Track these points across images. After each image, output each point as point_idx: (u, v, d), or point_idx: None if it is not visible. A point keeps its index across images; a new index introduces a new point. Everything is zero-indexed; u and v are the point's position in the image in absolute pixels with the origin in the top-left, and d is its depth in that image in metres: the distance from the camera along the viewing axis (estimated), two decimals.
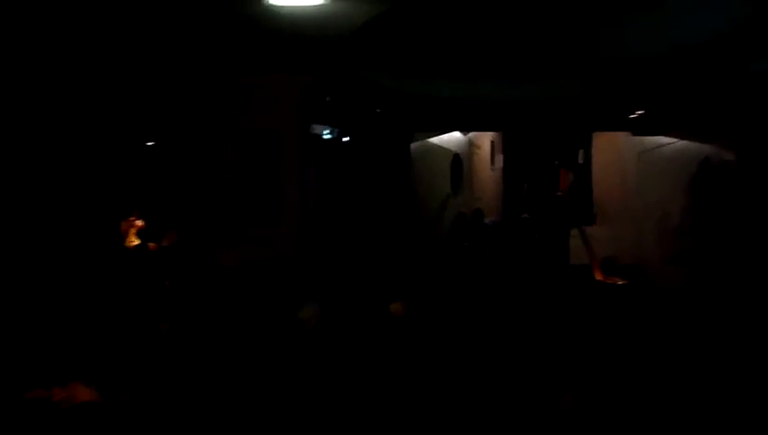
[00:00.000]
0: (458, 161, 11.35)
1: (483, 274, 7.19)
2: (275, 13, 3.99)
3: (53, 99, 6.78)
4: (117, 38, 4.70)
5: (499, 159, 14.70)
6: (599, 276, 8.27)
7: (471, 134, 11.95)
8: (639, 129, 9.14)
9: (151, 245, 8.31)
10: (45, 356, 3.67)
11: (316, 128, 6.10)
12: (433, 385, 3.58)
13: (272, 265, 4.91)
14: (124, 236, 8.84)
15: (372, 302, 4.30)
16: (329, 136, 6.29)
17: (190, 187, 7.04)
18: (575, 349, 4.75)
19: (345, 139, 6.80)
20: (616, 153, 11.54)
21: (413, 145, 9.12)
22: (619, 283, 7.97)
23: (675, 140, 8.81)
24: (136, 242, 8.53)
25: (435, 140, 10.13)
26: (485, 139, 13.50)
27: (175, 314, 4.16)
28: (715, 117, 7.23)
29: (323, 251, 6.18)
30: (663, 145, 9.24)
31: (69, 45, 4.88)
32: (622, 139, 10.70)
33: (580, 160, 13.62)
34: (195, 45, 4.90)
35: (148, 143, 9.36)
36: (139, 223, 8.76)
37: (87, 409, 2.66)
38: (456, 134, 11.04)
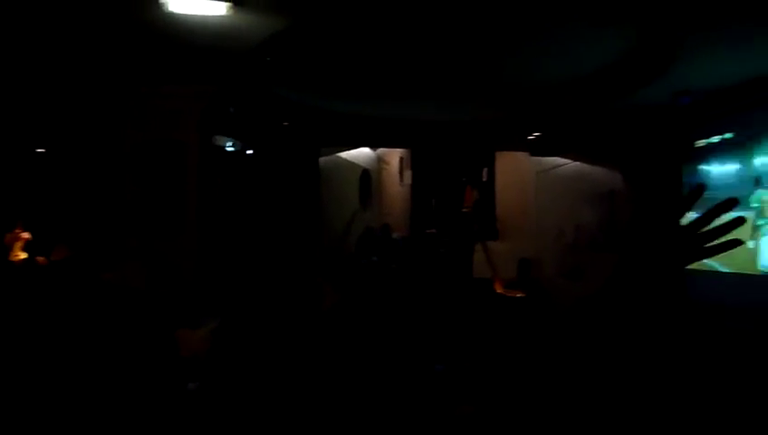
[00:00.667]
0: (367, 177, 11.46)
1: (390, 288, 7.28)
2: (178, 22, 3.90)
3: None
4: (11, 41, 4.41)
5: (408, 175, 14.98)
6: (499, 290, 8.63)
7: (380, 150, 12.12)
8: (537, 150, 9.66)
9: (40, 259, 7.77)
10: None
11: (219, 140, 5.96)
12: (327, 399, 3.58)
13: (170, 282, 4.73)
14: (8, 249, 8.21)
15: (274, 319, 4.24)
16: (232, 149, 6.16)
17: (85, 198, 6.65)
18: (475, 358, 4.91)
19: (249, 151, 6.69)
20: (516, 172, 12.10)
21: (322, 159, 9.13)
22: (518, 295, 8.36)
23: (569, 161, 9.39)
24: (22, 256, 7.94)
25: (344, 154, 10.19)
26: (395, 155, 13.72)
27: (55, 335, 3.91)
28: (604, 141, 7.78)
29: (227, 267, 6.03)
30: (559, 166, 9.81)
31: None
32: (522, 159, 11.25)
33: (485, 178, 14.15)
34: (94, 51, 4.68)
35: (38, 150, 8.78)
36: (25, 235, 8.17)
37: None
38: (366, 150, 11.16)
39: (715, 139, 6.04)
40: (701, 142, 6.25)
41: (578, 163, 9.12)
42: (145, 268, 4.89)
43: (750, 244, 5.44)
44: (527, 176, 11.35)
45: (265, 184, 7.44)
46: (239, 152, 6.38)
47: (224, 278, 5.72)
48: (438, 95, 6.01)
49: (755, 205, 5.48)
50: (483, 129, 7.89)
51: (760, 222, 5.42)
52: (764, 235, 5.41)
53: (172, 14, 3.75)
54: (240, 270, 6.17)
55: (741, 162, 5.68)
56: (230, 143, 6.07)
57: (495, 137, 8.87)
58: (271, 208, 7.70)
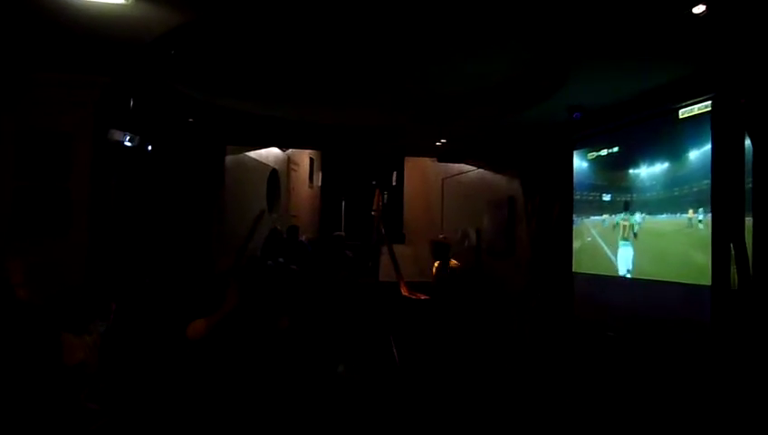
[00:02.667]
0: (275, 177, 11.32)
1: (293, 289, 7.22)
2: (75, 7, 3.69)
3: None
4: None
5: (318, 176, 14.94)
6: (405, 292, 8.78)
7: (290, 151, 12.01)
8: (444, 156, 9.94)
9: None
10: None
11: (116, 134, 5.67)
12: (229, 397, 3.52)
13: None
14: None
15: (169, 322, 4.10)
16: (130, 144, 5.88)
17: None
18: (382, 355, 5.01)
19: (150, 147, 6.41)
20: (424, 177, 12.41)
21: (228, 158, 8.91)
22: (422, 298, 8.55)
23: (473, 168, 9.74)
24: None
25: (252, 154, 10.01)
26: (305, 156, 13.65)
27: None
28: (505, 150, 8.14)
29: (121, 267, 5.74)
30: (463, 172, 10.15)
31: None
32: (429, 164, 11.54)
33: (394, 182, 14.38)
34: None
35: None
36: None
37: None
38: (275, 150, 11.02)
39: (604, 152, 6.49)
40: (592, 154, 6.69)
41: (481, 170, 9.49)
42: (27, 268, 4.57)
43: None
44: (434, 181, 11.67)
45: (166, 181, 7.16)
46: (138, 147, 6.10)
47: (115, 280, 5.44)
48: (344, 99, 6.05)
49: (617, 222, 6.15)
50: (392, 134, 8.02)
51: (620, 240, 6.10)
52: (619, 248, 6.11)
53: (70, 1, 3.55)
54: (133, 272, 5.90)
55: (623, 176, 6.16)
56: (128, 138, 5.79)
57: (404, 142, 9.04)
58: (170, 207, 7.42)
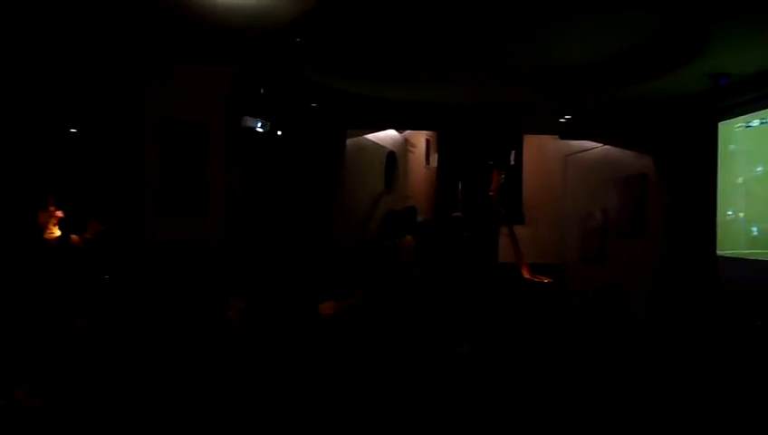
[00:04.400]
0: (393, 159, 11.42)
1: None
2: (207, 2, 3.90)
3: None
4: (39, 18, 4.47)
5: (434, 157, 14.90)
6: (526, 274, 8.55)
7: (407, 132, 12.06)
8: (566, 133, 9.48)
9: (74, 236, 7.94)
10: None
11: (249, 121, 5.99)
12: (357, 381, 3.61)
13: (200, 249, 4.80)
14: (43, 227, 8.40)
15: (299, 301, 4.28)
16: (261, 130, 6.18)
17: (111, 177, 6.76)
18: (502, 344, 4.91)
19: (279, 133, 6.71)
20: (544, 156, 11.96)
21: (348, 141, 9.12)
22: (545, 281, 8.28)
23: (598, 145, 9.22)
24: (56, 233, 8.12)
25: (370, 136, 10.16)
26: (421, 137, 13.65)
27: (94, 310, 4.00)
28: (636, 125, 7.62)
29: (252, 247, 6.09)
30: (587, 149, 9.65)
31: None
32: (550, 142, 11.09)
33: (512, 162, 14.00)
34: (122, 31, 4.72)
35: (71, 130, 8.94)
36: (59, 213, 8.34)
37: None
38: (392, 132, 11.11)
39: (755, 123, 5.87)
40: (739, 126, 6.08)
41: (607, 147, 8.97)
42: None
43: None
44: (555, 159, 11.21)
45: (293, 165, 7.47)
46: (269, 133, 6.41)
47: (249, 260, 5.78)
48: (466, 78, 5.94)
49: None
50: (511, 112, 7.79)
51: None
52: None
53: None
54: (265, 253, 6.23)
55: None
56: (260, 124, 6.09)
57: (524, 120, 8.75)
58: (297, 190, 7.74)
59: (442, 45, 4.83)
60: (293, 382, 3.65)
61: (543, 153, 12.00)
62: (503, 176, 12.93)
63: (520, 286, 7.77)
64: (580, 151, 9.94)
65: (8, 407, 2.72)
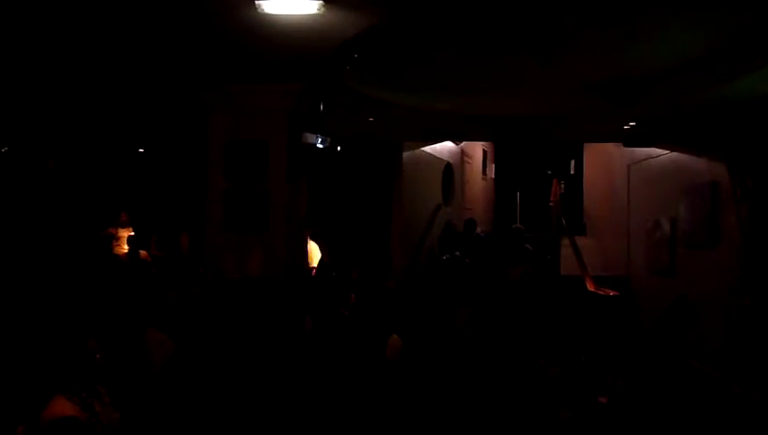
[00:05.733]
0: (450, 171, 11.35)
1: (465, 284, 7.16)
2: (269, 22, 3.97)
3: (44, 107, 6.73)
4: (108, 45, 4.67)
5: (491, 168, 14.72)
6: (591, 287, 8.27)
7: (463, 144, 11.97)
8: (630, 140, 9.18)
9: (142, 252, 8.25)
10: (29, 368, 3.60)
11: (309, 137, 6.08)
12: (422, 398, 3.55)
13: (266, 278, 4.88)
14: (115, 241, 8.77)
15: (366, 322, 4.27)
16: (321, 146, 6.27)
17: (177, 195, 6.99)
18: (572, 360, 4.73)
19: (338, 148, 6.79)
20: (607, 164, 11.60)
21: (405, 154, 9.12)
22: (611, 294, 7.98)
23: (666, 151, 8.87)
24: (126, 249, 8.46)
25: (427, 149, 10.14)
26: (478, 148, 13.52)
27: (169, 325, 4.11)
28: (706, 130, 7.28)
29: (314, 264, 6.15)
30: (654, 156, 9.29)
31: (61, 53, 4.85)
32: (613, 150, 10.76)
33: (572, 171, 13.66)
34: (187, 55, 4.88)
35: (139, 150, 9.33)
36: (129, 230, 8.69)
37: (69, 423, 2.58)
38: (448, 144, 11.05)
39: None
40: None
41: (675, 154, 8.61)
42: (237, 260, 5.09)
43: None
44: (618, 168, 10.86)
45: (352, 180, 7.53)
46: (329, 149, 6.49)
47: (313, 274, 5.83)
48: (530, 88, 5.83)
49: None
50: (572, 120, 7.59)
51: None
52: None
53: (264, 15, 3.83)
54: (327, 268, 6.28)
55: None
56: (320, 140, 6.18)
57: (585, 128, 8.52)
58: (355, 204, 7.79)
59: (506, 56, 4.76)
60: (374, 398, 3.63)
61: (606, 161, 11.65)
62: (563, 185, 12.63)
63: (585, 300, 7.51)
64: (645, 159, 9.59)
65: (88, 420, 2.79)
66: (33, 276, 5.83)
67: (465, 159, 12.53)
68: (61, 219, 8.17)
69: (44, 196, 8.22)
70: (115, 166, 9.30)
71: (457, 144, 11.64)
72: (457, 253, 9.05)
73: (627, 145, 9.44)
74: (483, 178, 14.06)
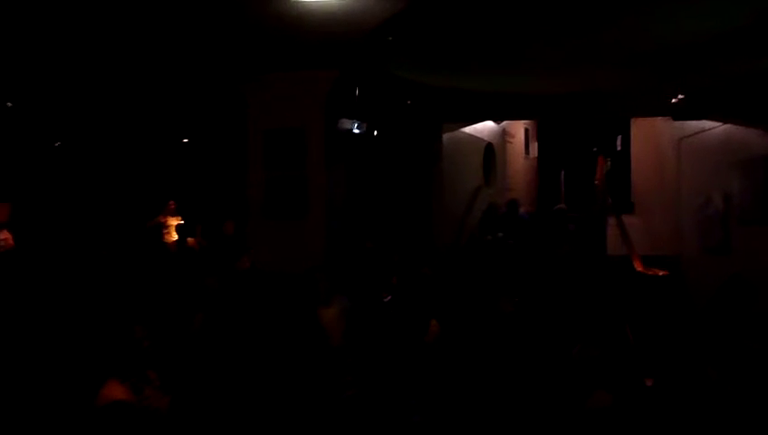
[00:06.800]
0: (491, 151, 11.18)
1: (509, 266, 7.07)
2: (301, 8, 3.97)
3: (90, 99, 6.94)
4: (152, 41, 4.77)
5: (534, 147, 14.44)
6: (639, 267, 8.04)
7: (504, 123, 11.76)
8: (680, 114, 8.82)
9: (190, 240, 8.46)
10: (82, 352, 3.76)
11: (346, 123, 6.08)
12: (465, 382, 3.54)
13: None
14: (164, 230, 9.01)
15: (403, 303, 4.27)
16: (358, 131, 6.26)
17: (218, 183, 7.12)
18: (619, 343, 4.62)
19: (375, 132, 6.77)
20: (655, 139, 11.21)
21: (444, 136, 9.02)
22: (660, 274, 7.74)
23: (718, 124, 8.50)
24: (174, 238, 8.69)
25: (467, 129, 10.00)
26: (519, 127, 13.26)
27: (207, 311, 4.22)
28: (759, 101, 6.94)
29: (352, 247, 6.17)
30: (705, 130, 8.92)
31: (108, 49, 4.98)
32: (661, 124, 10.38)
33: (619, 147, 13.27)
34: (224, 44, 4.94)
35: (184, 140, 9.53)
36: (178, 219, 8.91)
37: (121, 407, 2.68)
38: (489, 123, 10.88)
39: None
40: None
41: (728, 126, 8.23)
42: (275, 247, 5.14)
43: None
44: (667, 143, 10.47)
45: (390, 164, 7.50)
46: (366, 134, 6.48)
47: (351, 258, 5.86)
48: (574, 63, 5.64)
49: None
50: (617, 94, 7.35)
51: None
52: None
53: (297, 2, 3.83)
54: (366, 253, 6.30)
55: None
56: (356, 125, 6.17)
57: (631, 102, 8.25)
58: (395, 187, 7.77)
59: (548, 29, 4.61)
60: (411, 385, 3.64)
61: (654, 136, 11.26)
62: (609, 162, 12.29)
63: (633, 280, 7.31)
64: (695, 133, 9.22)
65: (138, 404, 2.89)
66: (86, 267, 6.06)
67: (507, 138, 12.31)
68: (112, 210, 8.45)
69: (95, 187, 8.51)
70: (162, 156, 9.54)
71: (498, 123, 11.45)
72: (500, 234, 8.94)
73: (676, 119, 9.05)
74: (525, 158, 13.80)
